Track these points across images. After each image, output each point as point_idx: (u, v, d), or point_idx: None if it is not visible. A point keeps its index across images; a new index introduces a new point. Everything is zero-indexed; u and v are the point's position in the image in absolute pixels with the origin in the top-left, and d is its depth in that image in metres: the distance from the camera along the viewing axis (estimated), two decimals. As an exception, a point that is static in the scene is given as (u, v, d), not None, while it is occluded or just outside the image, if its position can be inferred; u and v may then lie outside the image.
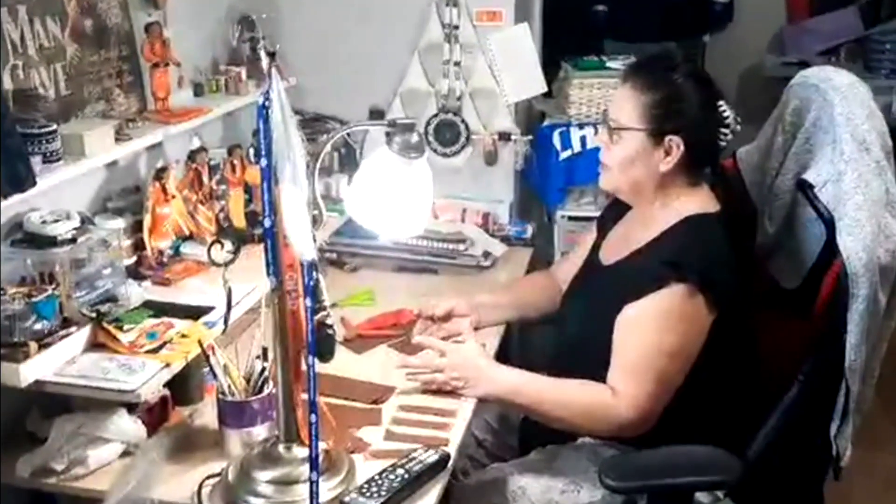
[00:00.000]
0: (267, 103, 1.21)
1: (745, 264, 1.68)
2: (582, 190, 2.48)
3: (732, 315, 1.62)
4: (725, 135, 1.69)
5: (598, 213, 2.06)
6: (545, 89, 2.46)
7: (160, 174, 1.76)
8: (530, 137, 2.46)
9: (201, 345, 1.44)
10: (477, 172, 2.50)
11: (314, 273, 1.30)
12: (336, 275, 2.29)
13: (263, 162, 1.24)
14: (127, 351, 1.47)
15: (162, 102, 1.97)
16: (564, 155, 2.44)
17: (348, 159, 2.44)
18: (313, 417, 1.27)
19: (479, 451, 1.93)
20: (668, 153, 1.66)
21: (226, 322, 1.34)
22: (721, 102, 1.69)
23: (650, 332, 1.59)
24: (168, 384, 1.59)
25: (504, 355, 2.46)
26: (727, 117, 1.68)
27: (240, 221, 1.94)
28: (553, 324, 1.92)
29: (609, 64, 2.45)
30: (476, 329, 1.95)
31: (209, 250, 1.32)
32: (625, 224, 1.84)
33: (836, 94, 1.62)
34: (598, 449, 1.69)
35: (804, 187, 1.65)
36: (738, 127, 1.70)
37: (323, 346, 1.33)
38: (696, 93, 1.67)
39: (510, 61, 2.39)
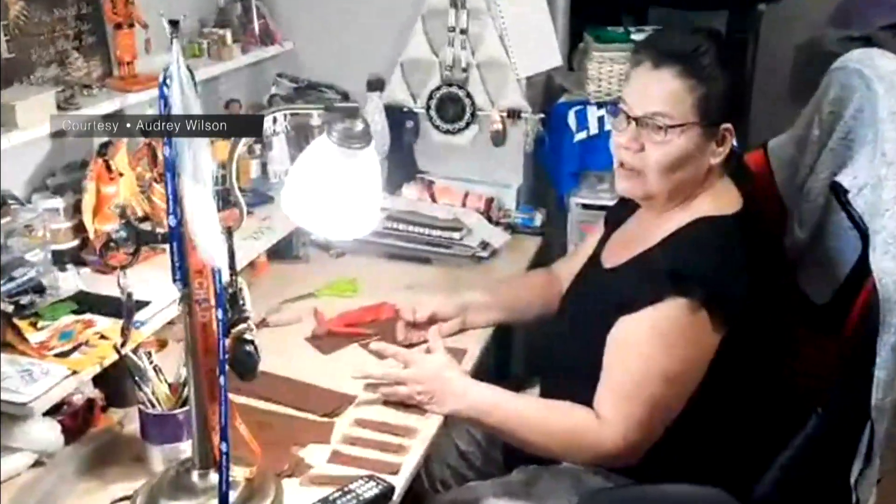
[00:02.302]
0: (168, 82, 1.03)
1: (768, 273, 1.48)
2: (598, 175, 2.23)
3: (747, 332, 1.43)
4: None
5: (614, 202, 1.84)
6: (560, 63, 2.22)
7: (103, 149, 1.59)
8: (542, 116, 2.22)
9: (117, 349, 1.28)
10: (482, 153, 2.28)
11: (233, 280, 1.13)
12: (320, 259, 2.11)
13: (167, 151, 1.06)
14: (35, 353, 1.31)
15: (127, 67, 1.82)
16: (580, 136, 2.19)
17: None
18: (224, 446, 1.12)
19: (462, 463, 1.80)
20: (719, 143, 1.47)
21: (124, 336, 1.16)
22: None
23: (644, 352, 1.42)
24: (101, 384, 1.45)
25: (505, 361, 2.31)
26: None
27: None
28: (551, 327, 1.73)
29: (634, 36, 2.17)
30: (463, 331, 1.77)
31: (100, 251, 1.13)
32: (634, 222, 1.65)
33: (882, 83, 1.41)
34: (583, 476, 1.53)
35: (837, 191, 1.44)
36: None
37: (241, 364, 1.16)
38: (735, 71, 1.51)
39: (523, 30, 2.16)
